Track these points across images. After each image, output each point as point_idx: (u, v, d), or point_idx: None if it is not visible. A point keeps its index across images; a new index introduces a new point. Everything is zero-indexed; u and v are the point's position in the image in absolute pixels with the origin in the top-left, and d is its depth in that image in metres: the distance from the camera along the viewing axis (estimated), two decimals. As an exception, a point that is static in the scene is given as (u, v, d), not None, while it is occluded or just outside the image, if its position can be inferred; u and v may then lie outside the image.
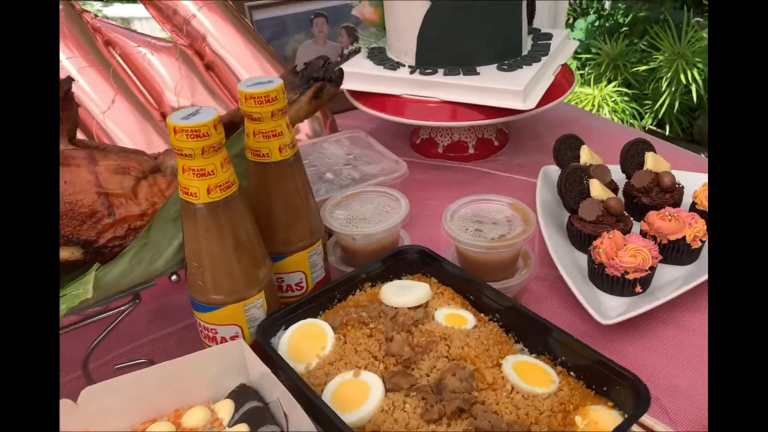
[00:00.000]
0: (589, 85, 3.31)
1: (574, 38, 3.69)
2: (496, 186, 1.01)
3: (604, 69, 3.34)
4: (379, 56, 1.06)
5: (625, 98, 3.22)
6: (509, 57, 1.01)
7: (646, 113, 3.32)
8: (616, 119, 3.16)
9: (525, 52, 1.04)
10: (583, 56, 3.60)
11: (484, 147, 1.10)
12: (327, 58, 0.81)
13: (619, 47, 3.32)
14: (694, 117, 3.40)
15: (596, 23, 3.79)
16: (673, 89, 3.04)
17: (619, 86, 3.27)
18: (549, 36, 1.11)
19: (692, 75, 2.96)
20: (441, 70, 0.99)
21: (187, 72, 0.95)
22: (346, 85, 1.03)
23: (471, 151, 1.09)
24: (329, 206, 0.76)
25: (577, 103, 3.23)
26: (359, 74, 1.02)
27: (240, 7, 1.16)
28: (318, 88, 0.78)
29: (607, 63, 3.34)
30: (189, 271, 0.61)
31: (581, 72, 3.62)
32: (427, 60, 1.00)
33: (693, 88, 2.97)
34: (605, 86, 3.25)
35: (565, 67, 1.07)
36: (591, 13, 3.86)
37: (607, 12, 3.84)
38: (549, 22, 1.72)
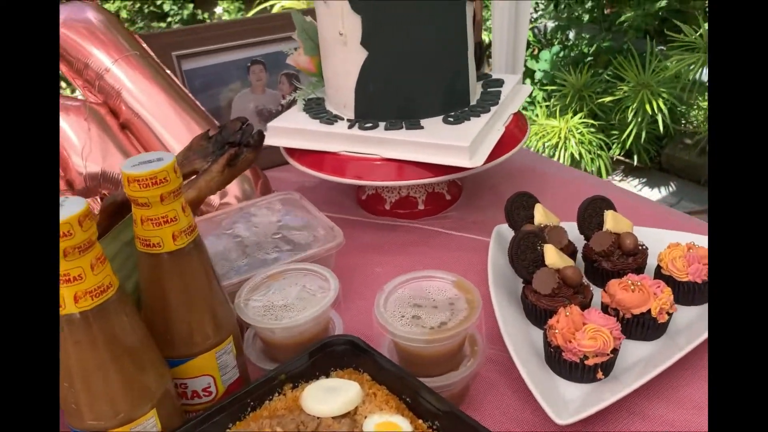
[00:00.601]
0: (554, 116, 3.28)
1: (539, 69, 3.65)
2: (447, 246, 0.92)
3: (570, 100, 3.31)
4: (316, 109, 0.97)
5: (592, 129, 3.19)
6: (456, 107, 0.94)
7: (613, 143, 3.29)
8: (583, 151, 3.12)
9: (474, 101, 0.97)
10: (549, 88, 3.58)
11: (435, 202, 1.02)
12: (245, 120, 0.72)
13: (583, 78, 3.30)
14: (662, 146, 3.38)
15: (561, 54, 3.79)
16: (639, 119, 3.01)
17: (585, 117, 3.25)
18: (500, 82, 1.04)
19: (658, 105, 2.93)
20: (382, 124, 0.91)
21: (98, 132, 0.86)
22: (281, 141, 0.94)
23: (421, 207, 1.00)
24: (246, 291, 0.67)
25: (543, 135, 3.20)
26: (293, 129, 0.93)
27: (166, 57, 1.07)
28: (232, 155, 0.69)
29: (573, 94, 3.31)
30: (61, 393, 0.51)
31: (547, 104, 3.60)
32: (367, 113, 0.92)
33: (659, 117, 2.95)
34: (571, 118, 3.22)
35: (517, 116, 0.99)
36: (555, 44, 3.86)
37: (571, 42, 3.84)
38: (508, 61, 1.67)
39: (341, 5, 0.87)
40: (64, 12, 0.94)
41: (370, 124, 0.90)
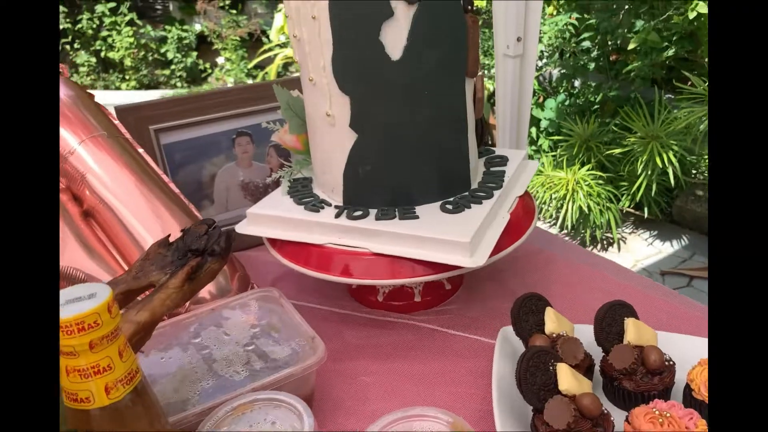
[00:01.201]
0: (561, 168, 3.20)
1: (544, 117, 3.59)
2: (446, 350, 0.82)
3: (577, 151, 3.24)
4: (301, 192, 0.89)
5: (600, 181, 3.11)
6: (455, 192, 0.85)
7: (622, 195, 3.20)
8: (591, 203, 3.03)
9: (475, 184, 0.88)
10: (555, 138, 3.51)
11: (434, 292, 0.92)
12: (211, 223, 0.63)
13: (590, 128, 3.24)
14: (673, 197, 3.28)
15: (566, 102, 3.73)
16: (649, 172, 2.93)
17: (593, 169, 3.16)
18: (504, 160, 0.95)
19: (668, 157, 2.85)
20: (373, 212, 0.81)
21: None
22: (261, 231, 0.85)
23: (418, 298, 0.91)
24: (207, 426, 0.57)
25: (550, 187, 3.11)
26: (275, 217, 0.84)
27: (143, 131, 0.99)
28: (193, 267, 0.60)
29: (580, 144, 3.24)
30: None
31: (553, 153, 3.52)
32: (357, 199, 0.83)
33: (670, 170, 2.86)
34: (579, 169, 3.13)
35: (524, 198, 0.90)
36: (561, 92, 3.81)
37: (577, 91, 3.79)
38: (512, 129, 1.59)
39: (328, 85, 0.79)
40: (30, 87, 0.86)
41: (359, 213, 0.81)
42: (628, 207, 3.28)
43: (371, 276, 0.78)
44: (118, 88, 4.04)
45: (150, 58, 4.17)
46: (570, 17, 3.70)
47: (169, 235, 0.62)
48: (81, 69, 3.99)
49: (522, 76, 1.75)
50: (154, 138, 1.00)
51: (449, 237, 0.75)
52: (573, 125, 3.27)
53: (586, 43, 3.68)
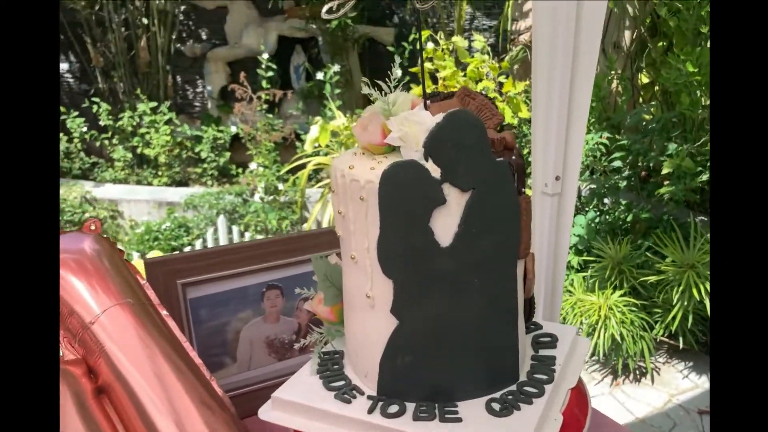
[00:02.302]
0: (593, 291, 3.10)
1: (574, 234, 3.52)
2: None
3: (609, 273, 3.15)
4: (332, 372, 0.82)
5: (633, 308, 2.99)
6: (502, 385, 0.77)
7: (656, 322, 3.07)
8: (624, 331, 2.90)
9: (523, 375, 0.80)
10: (585, 258, 3.43)
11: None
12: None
13: (623, 250, 3.16)
14: (710, 327, 3.13)
15: (597, 219, 3.68)
16: (685, 302, 2.81)
17: (625, 294, 3.06)
18: (553, 340, 0.87)
19: (705, 289, 2.74)
20: (410, 407, 0.74)
21: (62, 402, 0.71)
22: (285, 419, 0.78)
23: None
24: None
25: (581, 311, 3.00)
26: (301, 406, 0.77)
27: (170, 285, 0.94)
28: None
29: (612, 267, 3.15)
30: None
31: (584, 274, 3.43)
32: (393, 390, 0.76)
33: (707, 301, 2.75)
34: (611, 294, 3.03)
35: (576, 391, 0.82)
36: (591, 209, 3.76)
37: (607, 208, 3.75)
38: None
39: (371, 266, 0.74)
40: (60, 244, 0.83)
41: (395, 409, 0.73)
42: (662, 335, 3.14)
43: (407, 487, 0.70)
44: (150, 183, 4.11)
45: (184, 156, 4.26)
46: (601, 137, 3.72)
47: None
48: (117, 164, 4.08)
49: (560, 216, 1.70)
50: (180, 293, 0.95)
51: (497, 452, 0.67)
52: (604, 246, 3.20)
53: (617, 163, 3.67)
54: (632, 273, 3.12)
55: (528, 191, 0.78)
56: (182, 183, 4.17)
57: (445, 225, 0.71)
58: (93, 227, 0.88)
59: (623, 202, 3.69)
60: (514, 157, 0.78)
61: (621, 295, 3.03)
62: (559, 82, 1.51)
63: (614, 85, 4.08)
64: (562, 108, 1.60)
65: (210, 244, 3.21)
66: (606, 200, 3.79)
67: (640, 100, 4.29)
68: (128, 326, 0.78)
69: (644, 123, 3.64)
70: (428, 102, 0.79)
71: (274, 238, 1.04)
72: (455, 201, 0.71)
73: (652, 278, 2.98)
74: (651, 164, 3.48)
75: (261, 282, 1.02)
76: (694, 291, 2.78)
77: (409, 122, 0.72)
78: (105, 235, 0.91)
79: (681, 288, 2.84)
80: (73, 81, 5.36)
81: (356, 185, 0.73)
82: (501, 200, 0.74)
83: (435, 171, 0.70)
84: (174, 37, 5.14)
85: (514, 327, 0.78)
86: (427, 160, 0.71)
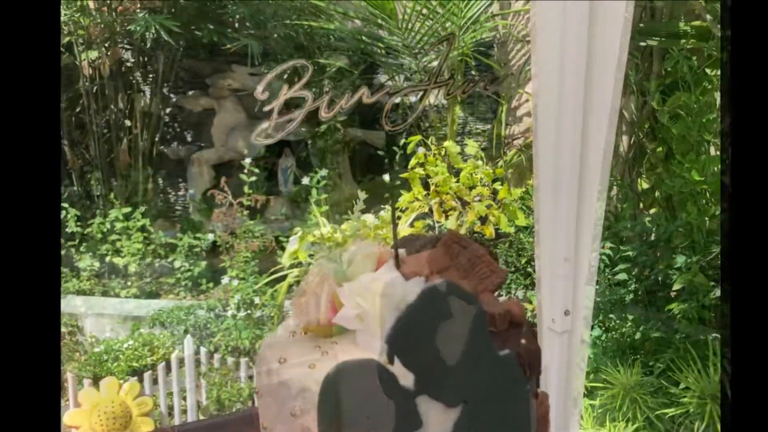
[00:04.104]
0: (603, 424, 2.74)
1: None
2: None
3: (620, 403, 2.79)
4: None
5: (652, 447, 2.62)
6: None
7: (678, 461, 2.69)
8: (644, 476, 2.51)
9: None
10: (593, 384, 3.09)
11: None
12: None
13: (634, 377, 2.82)
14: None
15: (602, 337, 3.37)
16: (710, 441, 2.46)
17: (641, 428, 2.69)
18: None
19: (733, 427, 2.39)
20: None
21: None
22: None
23: None
24: None
25: (592, 449, 2.62)
26: None
27: None
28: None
29: (623, 395, 2.81)
30: None
31: (591, 402, 3.08)
32: None
33: (736, 441, 2.39)
34: (625, 428, 2.67)
35: None
36: (595, 325, 3.45)
37: (613, 324, 3.44)
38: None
39: None
40: None
41: None
42: (687, 479, 2.74)
43: None
44: (117, 295, 3.81)
45: (156, 265, 3.99)
46: (603, 246, 3.47)
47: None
48: (82, 273, 3.80)
49: (571, 356, 1.41)
50: None
51: None
52: (614, 371, 2.86)
53: (622, 275, 3.41)
54: (646, 402, 2.77)
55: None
56: (152, 295, 3.88)
57: None
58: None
59: (630, 317, 3.40)
60: (523, 341, 0.51)
61: (636, 430, 2.67)
62: (566, 192, 1.26)
63: (614, 191, 3.89)
64: (570, 222, 1.33)
65: (175, 368, 2.87)
66: (611, 315, 3.49)
67: (640, 205, 4.10)
68: None
69: (649, 233, 3.42)
70: (401, 253, 0.53)
71: None
72: (436, 422, 0.43)
73: (671, 411, 2.63)
74: (660, 278, 3.21)
75: None
76: (719, 427, 2.43)
77: (369, 295, 0.46)
78: None
79: (705, 423, 2.50)
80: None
81: (286, 392, 0.45)
82: (505, 414, 0.46)
83: (405, 377, 0.44)
84: (157, 139, 5.00)
85: None
86: (392, 363, 0.44)
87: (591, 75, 1.13)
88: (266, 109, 0.58)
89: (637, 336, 3.29)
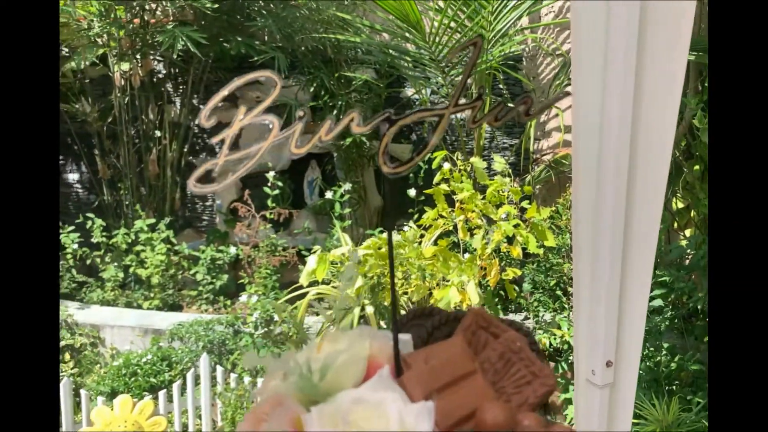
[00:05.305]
0: (637, 463, 2.58)
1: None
2: None
3: (656, 440, 2.64)
4: None
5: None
6: None
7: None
8: None
9: None
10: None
11: None
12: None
13: (672, 413, 2.67)
14: None
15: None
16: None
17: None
18: None
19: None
20: None
21: None
22: None
23: None
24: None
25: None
26: None
27: None
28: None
29: None
30: None
31: (624, 436, 2.92)
32: None
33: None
34: (660, 467, 2.51)
35: None
36: (628, 353, 3.30)
37: (647, 353, 3.28)
38: None
39: None
40: None
41: None
42: None
43: None
44: (140, 307, 3.77)
45: (179, 277, 3.95)
46: (637, 270, 3.31)
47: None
48: (107, 284, 3.78)
49: (613, 415, 1.26)
50: None
51: None
52: (649, 406, 2.71)
53: (658, 302, 3.25)
54: (685, 440, 2.61)
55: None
56: (175, 307, 3.83)
57: None
58: None
59: (665, 346, 3.23)
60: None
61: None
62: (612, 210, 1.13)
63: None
64: (614, 259, 1.19)
65: (190, 386, 2.81)
66: (646, 344, 3.33)
67: (675, 225, 3.93)
68: None
69: (684, 256, 3.26)
70: (404, 344, 0.42)
71: None
72: None
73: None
74: (699, 306, 3.05)
75: None
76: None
77: (351, 425, 0.34)
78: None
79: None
80: (82, 192, 5.21)
81: None
82: None
83: None
84: (186, 149, 5.00)
85: None
86: None
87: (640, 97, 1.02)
88: (215, 141, 0.46)
89: (673, 366, 3.12)
